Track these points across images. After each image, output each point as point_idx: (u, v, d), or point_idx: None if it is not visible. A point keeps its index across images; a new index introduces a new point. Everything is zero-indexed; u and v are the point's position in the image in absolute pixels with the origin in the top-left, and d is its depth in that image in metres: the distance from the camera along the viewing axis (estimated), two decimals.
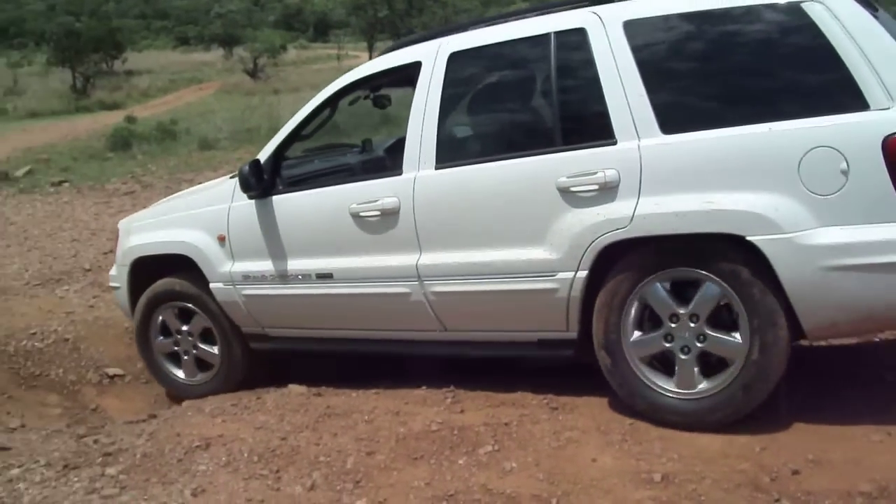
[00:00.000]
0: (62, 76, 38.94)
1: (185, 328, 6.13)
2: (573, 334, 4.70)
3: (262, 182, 5.39)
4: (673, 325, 4.37)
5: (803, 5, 4.11)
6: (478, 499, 4.01)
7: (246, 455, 4.66)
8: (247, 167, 5.36)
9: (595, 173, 4.38)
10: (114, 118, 27.30)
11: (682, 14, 4.43)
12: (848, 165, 3.88)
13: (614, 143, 4.39)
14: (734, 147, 4.13)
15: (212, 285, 5.74)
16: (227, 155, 18.84)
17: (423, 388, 5.31)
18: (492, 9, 54.00)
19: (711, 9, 4.38)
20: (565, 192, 4.47)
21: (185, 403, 5.83)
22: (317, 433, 4.86)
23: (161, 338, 6.25)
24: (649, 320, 4.49)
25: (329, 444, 4.69)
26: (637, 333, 4.50)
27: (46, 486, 4.60)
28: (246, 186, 5.40)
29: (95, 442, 5.20)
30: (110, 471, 4.68)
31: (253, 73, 39.64)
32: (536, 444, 4.46)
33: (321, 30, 57.64)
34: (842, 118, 3.96)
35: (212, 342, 6.05)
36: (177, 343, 6.21)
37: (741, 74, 4.33)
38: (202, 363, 6.16)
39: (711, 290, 4.25)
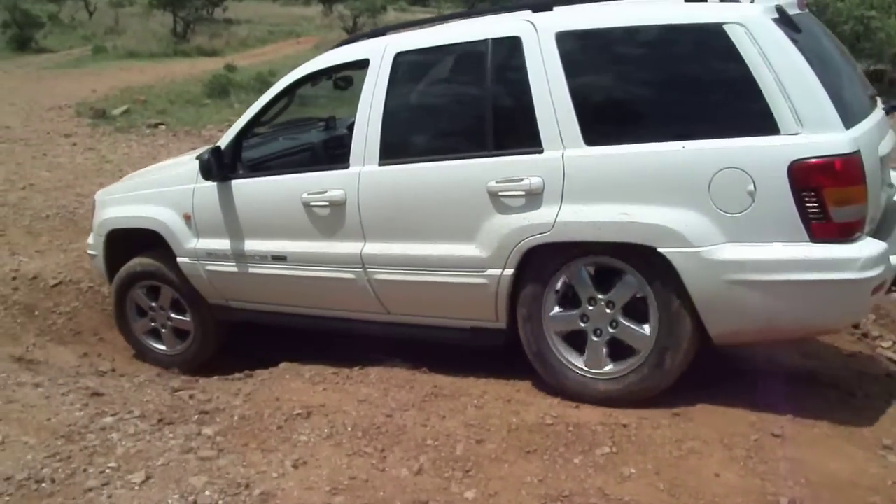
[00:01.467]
0: (163, 19, 39.12)
1: (154, 304, 6.51)
2: (502, 324, 4.95)
3: (222, 168, 5.66)
4: (590, 308, 4.64)
5: (725, 27, 4.23)
6: (593, 503, 3.77)
7: (349, 429, 4.46)
8: (207, 154, 5.64)
9: (521, 180, 4.61)
10: (211, 65, 27.24)
11: (612, 28, 4.59)
12: (755, 187, 4.11)
13: (541, 152, 4.59)
14: (651, 162, 4.33)
15: (178, 259, 6.04)
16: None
17: (536, 377, 5.03)
18: None
19: (639, 25, 4.53)
20: (494, 196, 4.70)
21: (283, 366, 5.65)
22: (423, 413, 4.64)
23: (138, 318, 6.62)
24: (570, 303, 4.74)
25: (437, 427, 4.47)
26: (557, 309, 4.75)
27: (140, 439, 4.45)
28: (207, 172, 5.69)
29: (191, 397, 5.05)
30: (207, 430, 4.52)
31: (352, 31, 39.46)
32: (657, 451, 4.20)
33: None
34: (752, 141, 4.15)
35: (183, 311, 6.42)
36: (153, 319, 6.57)
37: (662, 91, 4.48)
38: (180, 333, 6.52)
39: (629, 281, 4.51)
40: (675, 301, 4.38)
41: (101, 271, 6.78)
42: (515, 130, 4.74)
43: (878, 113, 4.81)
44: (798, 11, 4.63)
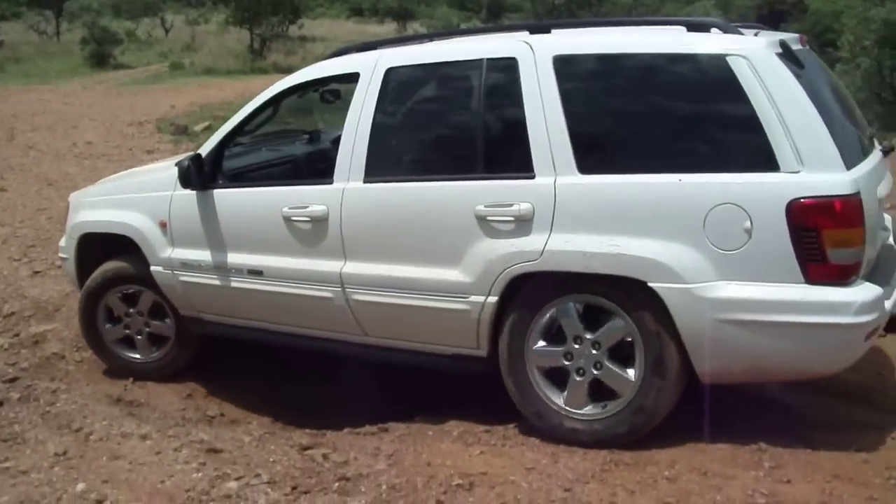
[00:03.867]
0: (238, 36, 39.05)
1: (132, 309, 6.16)
2: (483, 352, 4.74)
3: (202, 177, 5.50)
4: (576, 346, 4.45)
5: (728, 59, 4.13)
6: None
7: None
8: (187, 161, 5.47)
9: (511, 205, 4.46)
10: None
11: (612, 55, 4.50)
12: (752, 224, 3.99)
13: (532, 178, 4.45)
14: (645, 194, 4.22)
15: (152, 268, 5.84)
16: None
17: (725, 441, 4.30)
18: (668, 5, 52.42)
19: (640, 53, 4.44)
20: (482, 220, 4.54)
21: (421, 420, 4.98)
22: (607, 487, 3.92)
23: (109, 325, 6.21)
24: (555, 338, 4.54)
25: None
26: (541, 343, 4.55)
27: None
28: (186, 181, 5.53)
29: (325, 458, 4.38)
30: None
31: None
32: None
33: (494, 12, 56.76)
34: (751, 177, 4.03)
35: (162, 317, 6.11)
36: (126, 326, 6.20)
37: (660, 122, 4.37)
38: (156, 339, 6.18)
39: (618, 324, 4.34)
40: (664, 338, 4.21)
41: (71, 276, 6.54)
42: (507, 154, 4.63)
43: (877, 154, 4.68)
44: (799, 47, 4.58)
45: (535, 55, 4.53)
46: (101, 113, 21.20)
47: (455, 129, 5.03)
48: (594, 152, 4.40)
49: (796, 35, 4.77)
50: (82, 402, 5.40)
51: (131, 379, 5.96)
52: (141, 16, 50.49)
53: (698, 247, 4.07)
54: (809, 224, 3.93)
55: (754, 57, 4.10)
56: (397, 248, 4.86)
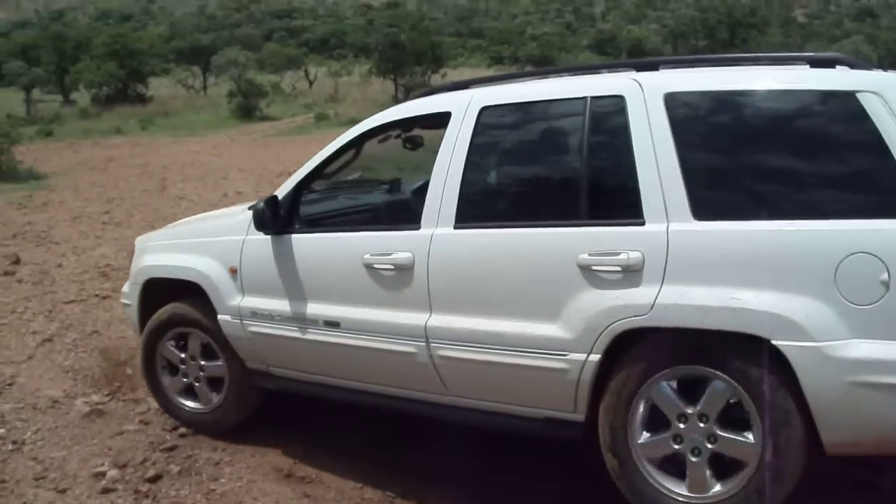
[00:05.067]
0: (382, 86, 39.51)
1: (184, 355, 5.87)
2: (581, 416, 4.33)
3: (277, 220, 5.18)
4: (681, 426, 4.02)
5: (858, 95, 3.77)
6: None
7: None
8: (262, 204, 5.14)
9: (619, 254, 4.05)
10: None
11: (729, 92, 4.12)
12: (889, 276, 3.57)
13: (642, 224, 4.05)
14: (768, 242, 3.81)
15: (219, 317, 5.53)
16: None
17: None
18: (812, 42, 51.63)
19: (760, 90, 4.10)
20: (586, 269, 4.13)
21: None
22: None
23: (170, 376, 5.95)
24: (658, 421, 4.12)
25: None
26: (645, 435, 4.12)
27: None
28: (260, 224, 5.18)
29: None
30: None
31: None
32: None
33: (635, 57, 56.44)
34: (887, 224, 3.62)
35: (214, 357, 5.75)
36: (185, 374, 5.90)
37: (783, 164, 3.97)
38: (215, 383, 5.81)
39: (717, 386, 3.91)
40: (788, 404, 3.75)
41: (133, 323, 6.30)
42: (614, 198, 4.28)
43: None
44: None
45: (644, 93, 4.17)
46: (250, 164, 21.38)
47: (555, 172, 4.72)
48: (711, 197, 3.99)
49: None
50: (249, 479, 4.92)
51: (301, 452, 5.37)
52: (284, 69, 51.76)
53: (828, 301, 3.64)
54: None
55: (888, 93, 3.73)
56: (489, 299, 4.46)
